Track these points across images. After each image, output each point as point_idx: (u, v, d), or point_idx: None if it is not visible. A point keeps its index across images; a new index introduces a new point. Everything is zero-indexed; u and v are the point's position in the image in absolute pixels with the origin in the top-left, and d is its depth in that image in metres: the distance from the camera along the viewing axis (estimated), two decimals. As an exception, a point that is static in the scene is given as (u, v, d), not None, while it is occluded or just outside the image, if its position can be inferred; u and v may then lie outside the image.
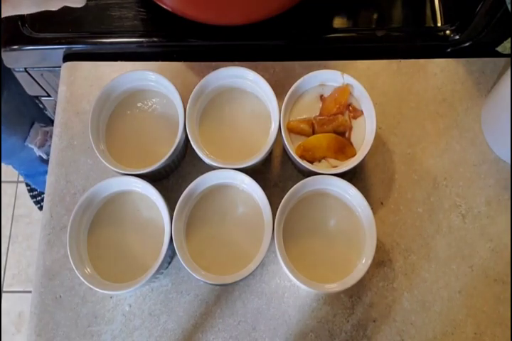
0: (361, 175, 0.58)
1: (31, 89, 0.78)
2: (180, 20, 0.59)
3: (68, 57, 0.65)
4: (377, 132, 0.55)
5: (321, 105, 0.55)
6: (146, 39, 0.64)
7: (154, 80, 0.56)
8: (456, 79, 0.62)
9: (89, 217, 0.53)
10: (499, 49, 0.61)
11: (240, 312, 0.54)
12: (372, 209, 0.50)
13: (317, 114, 0.55)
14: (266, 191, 0.51)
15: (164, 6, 0.58)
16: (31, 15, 0.65)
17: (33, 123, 0.94)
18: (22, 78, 0.73)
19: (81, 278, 0.49)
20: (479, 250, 0.55)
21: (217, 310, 0.54)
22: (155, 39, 0.64)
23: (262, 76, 0.54)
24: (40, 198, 1.40)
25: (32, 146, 0.96)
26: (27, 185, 1.42)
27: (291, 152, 0.52)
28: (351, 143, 0.54)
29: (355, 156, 0.53)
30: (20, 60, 0.67)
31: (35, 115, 0.94)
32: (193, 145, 0.52)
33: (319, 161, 0.54)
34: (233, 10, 0.57)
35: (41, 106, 0.90)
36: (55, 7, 0.47)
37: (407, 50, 0.64)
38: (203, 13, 0.58)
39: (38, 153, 0.98)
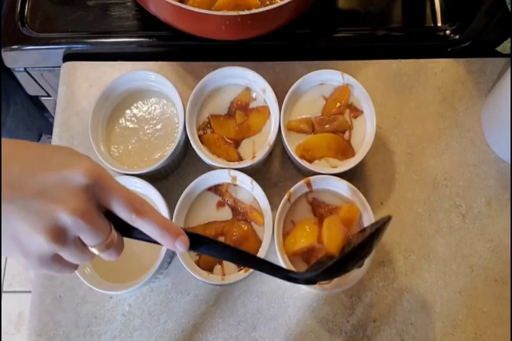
0: (361, 175, 0.58)
1: (31, 89, 0.78)
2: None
3: (68, 57, 0.65)
4: (377, 132, 0.55)
5: (323, 104, 0.55)
6: (146, 39, 0.64)
7: (154, 80, 0.56)
8: (456, 79, 0.62)
9: (89, 217, 0.53)
10: (499, 49, 0.61)
11: (240, 312, 0.54)
12: (372, 209, 0.50)
13: (317, 113, 0.55)
14: (266, 191, 0.51)
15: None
16: (31, 15, 0.65)
17: (40, 136, 0.94)
18: (22, 78, 0.73)
19: (81, 278, 0.49)
20: (479, 250, 0.55)
21: (217, 310, 0.54)
22: (155, 39, 0.64)
23: (262, 76, 0.54)
24: (40, 198, 1.40)
25: None
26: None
27: (291, 152, 0.52)
28: (351, 143, 0.54)
29: (355, 156, 0.53)
30: (20, 59, 0.67)
31: (42, 127, 0.93)
32: (193, 145, 0.52)
33: (319, 161, 0.54)
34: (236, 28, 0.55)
35: (46, 115, 0.89)
36: None
37: (407, 50, 0.64)
38: (203, 32, 0.58)
39: None
